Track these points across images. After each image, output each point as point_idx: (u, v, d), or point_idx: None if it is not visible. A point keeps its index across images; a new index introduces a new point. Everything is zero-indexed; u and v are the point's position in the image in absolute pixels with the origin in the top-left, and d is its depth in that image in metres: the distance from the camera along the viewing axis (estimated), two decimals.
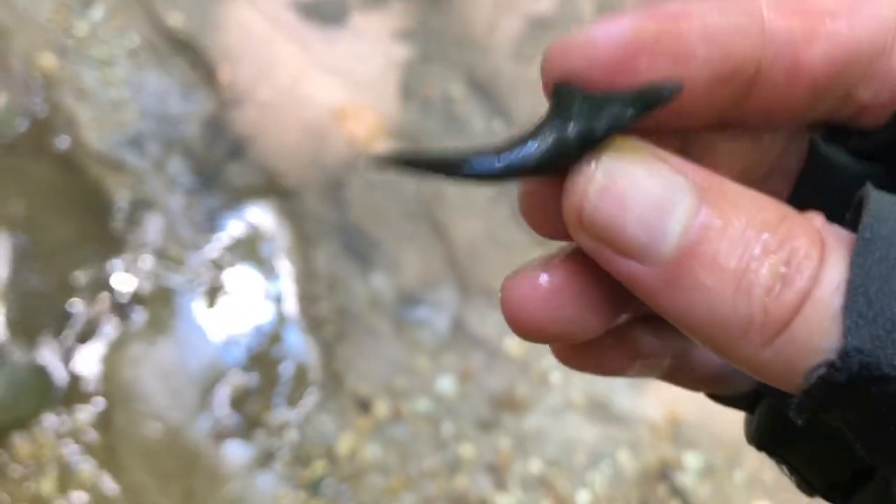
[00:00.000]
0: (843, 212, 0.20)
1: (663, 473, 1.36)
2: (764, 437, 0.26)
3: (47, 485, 1.31)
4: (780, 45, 0.21)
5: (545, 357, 1.39)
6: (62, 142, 1.50)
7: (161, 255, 1.44)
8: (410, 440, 1.38)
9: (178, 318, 1.42)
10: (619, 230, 0.19)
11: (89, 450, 1.34)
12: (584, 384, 1.41)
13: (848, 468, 0.24)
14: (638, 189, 0.19)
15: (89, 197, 1.48)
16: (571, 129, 0.20)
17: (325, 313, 1.43)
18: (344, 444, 1.36)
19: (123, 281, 1.43)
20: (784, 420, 0.24)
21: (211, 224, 1.47)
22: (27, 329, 1.39)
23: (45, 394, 1.36)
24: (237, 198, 1.48)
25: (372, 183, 1.49)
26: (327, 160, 1.50)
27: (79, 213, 1.48)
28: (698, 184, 0.19)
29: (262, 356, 1.42)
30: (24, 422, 1.34)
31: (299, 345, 1.42)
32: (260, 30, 1.57)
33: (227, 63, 1.54)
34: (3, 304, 1.40)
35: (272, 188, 1.49)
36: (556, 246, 0.23)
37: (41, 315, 1.40)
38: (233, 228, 1.47)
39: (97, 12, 1.57)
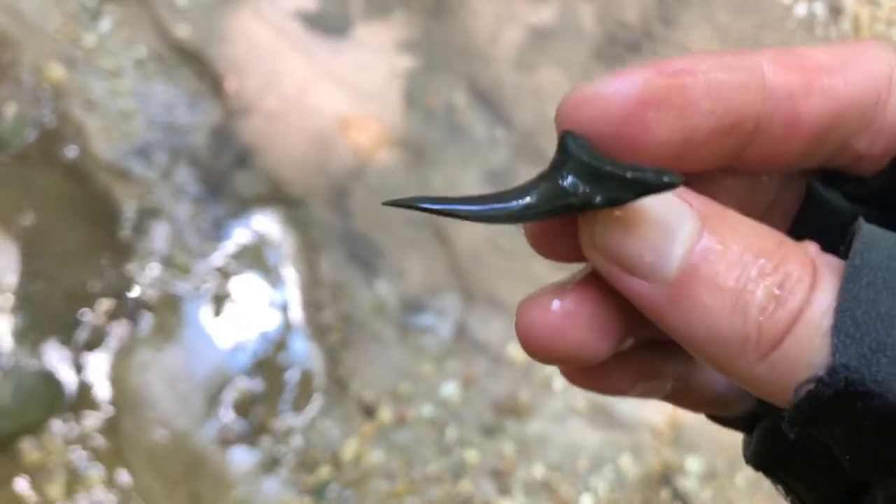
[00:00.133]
0: (838, 250, 0.21)
1: (665, 478, 1.37)
2: (761, 458, 0.27)
3: (55, 490, 1.32)
4: (779, 100, 0.22)
5: None
6: (70, 151, 1.51)
7: (168, 262, 1.45)
8: (414, 445, 1.38)
9: (185, 324, 1.43)
10: (628, 251, 0.21)
11: (97, 455, 1.35)
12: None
13: (842, 486, 0.25)
14: (646, 214, 0.21)
15: (97, 206, 1.49)
16: (572, 195, 0.21)
17: (329, 320, 1.44)
18: (349, 450, 1.37)
19: (131, 288, 1.44)
20: (780, 441, 0.26)
21: (217, 232, 1.48)
22: (35, 336, 1.40)
23: (54, 400, 1.37)
24: (243, 206, 1.49)
25: (376, 191, 1.49)
26: (332, 169, 1.51)
27: (87, 221, 1.49)
28: (701, 211, 0.21)
29: (268, 363, 1.42)
30: (33, 428, 1.35)
31: (304, 351, 1.43)
32: (266, 41, 1.58)
33: (233, 74, 1.55)
34: (11, 311, 1.40)
35: (278, 197, 1.50)
36: (562, 266, 0.25)
37: (49, 322, 1.41)
38: (239, 236, 1.48)
39: (105, 24, 1.58)
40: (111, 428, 1.36)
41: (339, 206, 1.49)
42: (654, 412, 1.41)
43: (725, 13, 1.65)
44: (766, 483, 0.30)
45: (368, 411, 1.39)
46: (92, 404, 1.37)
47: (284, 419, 1.39)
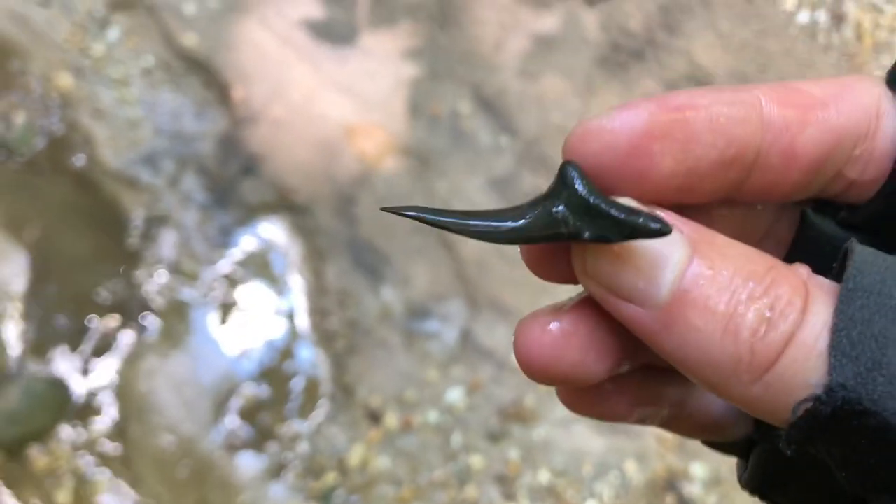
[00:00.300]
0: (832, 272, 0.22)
1: (670, 484, 1.36)
2: (757, 482, 0.27)
3: (63, 496, 1.32)
4: (777, 132, 0.23)
5: None
6: (79, 160, 1.51)
7: (175, 269, 1.46)
8: (420, 451, 1.38)
9: (192, 331, 1.43)
10: (620, 278, 0.22)
11: (105, 461, 1.35)
12: None
13: None
14: (635, 242, 0.22)
15: (105, 213, 1.49)
16: (563, 225, 0.22)
17: (335, 327, 1.44)
18: (355, 456, 1.37)
19: (139, 295, 1.44)
20: (776, 465, 0.26)
21: (224, 239, 1.48)
22: (44, 343, 1.40)
23: (62, 406, 1.37)
24: (250, 214, 1.50)
25: (382, 199, 1.50)
26: (338, 177, 1.51)
27: (95, 229, 1.49)
28: (691, 236, 0.22)
29: (274, 369, 1.42)
30: (41, 434, 1.35)
31: (311, 358, 1.43)
32: (272, 50, 1.59)
33: (240, 82, 1.56)
34: (20, 318, 1.41)
35: (284, 204, 1.50)
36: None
37: (57, 329, 1.42)
38: (246, 244, 1.49)
39: (113, 33, 1.59)
40: (119, 434, 1.37)
41: (346, 213, 1.50)
42: None
43: (728, 21, 1.65)
44: None
45: (374, 417, 1.39)
46: (99, 410, 1.38)
47: (291, 425, 1.39)
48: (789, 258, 0.26)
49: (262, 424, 1.39)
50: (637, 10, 1.65)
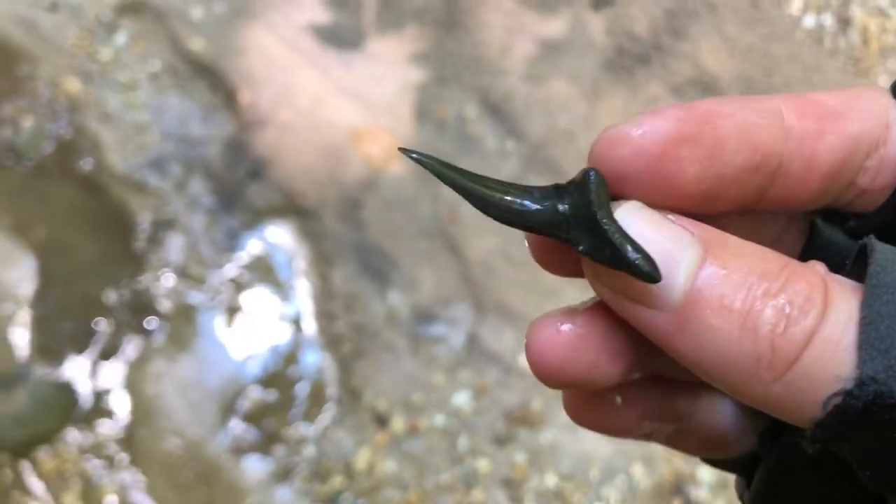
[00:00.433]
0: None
1: (677, 487, 1.36)
2: (762, 499, 0.27)
3: (70, 499, 1.32)
4: (798, 140, 0.23)
5: None
6: (86, 164, 1.52)
7: (182, 273, 1.46)
8: (427, 455, 1.38)
9: (199, 335, 1.44)
10: (632, 281, 0.21)
11: (111, 464, 1.35)
12: None
13: None
14: (646, 243, 0.21)
15: (112, 217, 1.50)
16: (562, 230, 0.22)
17: (342, 330, 1.44)
18: (361, 459, 1.37)
19: (146, 299, 1.45)
20: (780, 482, 0.26)
21: (231, 243, 1.49)
22: (51, 346, 1.41)
23: (69, 409, 1.38)
24: (257, 218, 1.50)
25: (388, 202, 1.50)
26: (345, 181, 1.52)
27: (102, 232, 1.50)
28: (702, 238, 0.22)
29: (281, 373, 1.43)
30: (48, 437, 1.36)
31: (317, 361, 1.44)
32: (279, 54, 1.60)
33: (247, 86, 1.57)
34: (28, 321, 1.42)
35: (291, 208, 1.51)
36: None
37: (65, 332, 1.42)
38: (252, 248, 1.49)
39: (121, 38, 1.60)
40: (126, 437, 1.37)
41: (352, 217, 1.50)
42: None
43: (734, 25, 1.65)
44: None
45: (381, 421, 1.40)
46: (107, 413, 1.38)
47: (297, 429, 1.39)
48: None
49: (268, 428, 1.39)
50: (643, 15, 1.65)
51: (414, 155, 0.23)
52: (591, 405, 0.26)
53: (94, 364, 1.40)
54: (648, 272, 0.21)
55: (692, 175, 0.22)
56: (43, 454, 1.34)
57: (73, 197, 1.50)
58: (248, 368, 1.42)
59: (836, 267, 0.23)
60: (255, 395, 1.41)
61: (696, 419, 0.28)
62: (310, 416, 1.40)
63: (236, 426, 1.39)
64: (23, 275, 1.44)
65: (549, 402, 1.40)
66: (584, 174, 0.23)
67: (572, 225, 0.22)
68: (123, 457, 1.36)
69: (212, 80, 1.58)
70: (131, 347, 1.42)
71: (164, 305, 1.44)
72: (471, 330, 1.44)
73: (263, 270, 1.48)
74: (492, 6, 1.64)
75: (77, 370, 1.40)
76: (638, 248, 0.21)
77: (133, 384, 1.40)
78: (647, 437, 0.28)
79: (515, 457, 1.38)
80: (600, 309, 0.24)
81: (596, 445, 1.39)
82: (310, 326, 1.45)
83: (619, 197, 0.23)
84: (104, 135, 1.54)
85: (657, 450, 1.39)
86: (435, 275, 1.47)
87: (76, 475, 1.34)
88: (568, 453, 1.38)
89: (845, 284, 0.21)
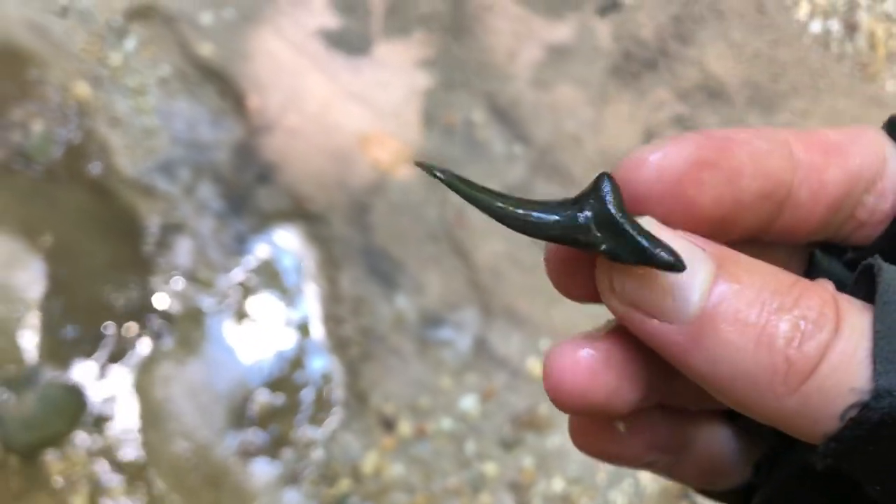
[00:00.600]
0: None
1: (684, 492, 1.36)
2: None
3: (78, 501, 1.33)
4: (806, 170, 0.24)
5: None
6: (95, 168, 1.52)
7: (191, 277, 1.47)
8: (434, 459, 1.38)
9: (207, 338, 1.44)
10: (648, 295, 0.22)
11: (120, 467, 1.36)
12: None
13: None
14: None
15: (121, 221, 1.50)
16: (582, 233, 0.22)
17: (350, 334, 1.45)
18: (369, 463, 1.37)
19: (154, 303, 1.45)
20: None
21: (239, 247, 1.49)
22: (60, 349, 1.41)
23: (77, 412, 1.38)
24: (265, 222, 1.51)
25: (396, 207, 1.51)
26: (352, 185, 1.52)
27: (111, 236, 1.50)
28: (714, 254, 0.22)
29: (289, 376, 1.43)
30: (57, 439, 1.36)
31: (325, 365, 1.44)
32: (287, 59, 1.60)
33: (255, 91, 1.57)
34: (36, 325, 1.42)
35: (299, 212, 1.51)
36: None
37: (73, 335, 1.43)
38: (260, 251, 1.49)
39: (130, 43, 1.60)
40: (134, 440, 1.37)
41: (360, 221, 1.50)
42: None
43: (740, 30, 1.66)
44: None
45: (388, 424, 1.40)
46: (115, 416, 1.38)
47: (305, 432, 1.39)
48: None
49: (276, 431, 1.39)
50: (649, 20, 1.65)
51: (437, 173, 0.23)
52: (598, 433, 0.27)
53: (103, 367, 1.41)
54: (673, 262, 0.21)
55: (711, 199, 0.23)
56: (51, 457, 1.35)
57: (82, 201, 1.51)
58: (255, 372, 1.42)
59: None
60: (263, 398, 1.41)
61: (695, 449, 0.28)
62: (317, 419, 1.41)
63: (244, 429, 1.39)
64: (32, 278, 1.45)
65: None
66: (598, 180, 0.23)
67: (592, 228, 0.22)
68: (132, 460, 1.36)
69: (221, 84, 1.59)
70: (140, 351, 1.42)
71: (173, 309, 1.45)
72: (478, 334, 1.44)
73: (271, 274, 1.48)
74: (499, 12, 1.64)
75: (86, 373, 1.40)
76: (659, 241, 0.21)
77: (141, 387, 1.40)
78: (649, 466, 0.28)
79: (523, 461, 1.38)
80: (619, 334, 0.24)
81: None
82: (317, 330, 1.46)
83: (634, 214, 0.23)
84: (113, 139, 1.54)
85: None
86: (442, 279, 1.47)
87: (84, 478, 1.34)
88: (575, 457, 1.38)
89: (854, 301, 0.22)
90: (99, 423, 1.38)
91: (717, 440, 0.28)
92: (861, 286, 0.22)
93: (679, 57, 1.64)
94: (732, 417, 0.29)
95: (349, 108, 1.57)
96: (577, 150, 1.55)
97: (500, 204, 0.23)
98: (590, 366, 0.23)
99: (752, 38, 1.65)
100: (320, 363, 1.44)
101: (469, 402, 1.41)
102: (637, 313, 0.22)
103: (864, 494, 0.21)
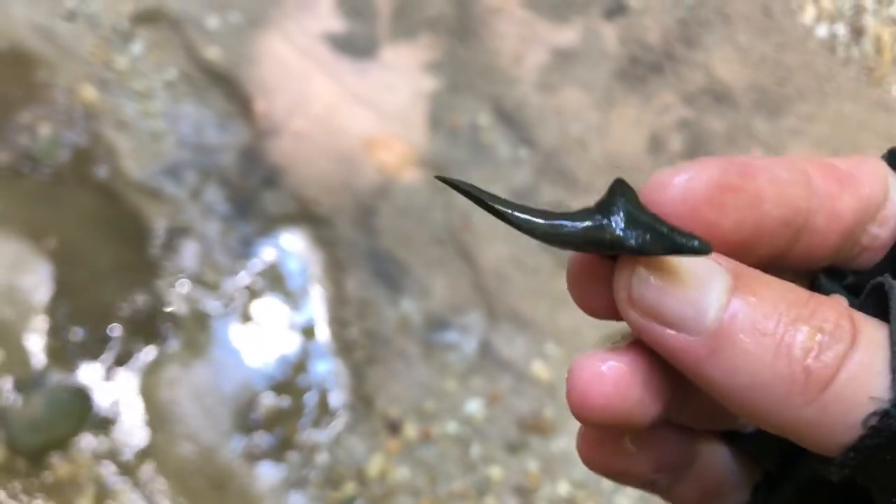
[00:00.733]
0: None
1: None
2: None
3: None
4: (822, 198, 0.25)
5: None
6: (102, 171, 1.53)
7: (197, 280, 1.47)
8: (439, 462, 1.38)
9: (213, 341, 1.44)
10: (666, 305, 0.22)
11: (125, 470, 1.36)
12: None
13: None
14: (679, 270, 0.22)
15: (128, 224, 1.51)
16: (608, 232, 0.23)
17: (355, 337, 1.45)
18: (374, 466, 1.37)
19: (160, 306, 1.45)
20: None
21: (245, 250, 1.49)
22: (67, 352, 1.42)
23: (84, 415, 1.38)
24: (271, 225, 1.51)
25: (401, 210, 1.51)
26: (358, 188, 1.53)
27: (118, 239, 1.51)
28: (731, 269, 0.22)
29: (294, 379, 1.43)
30: (63, 442, 1.36)
31: (330, 368, 1.44)
32: (294, 63, 1.61)
33: (262, 95, 1.58)
34: (43, 328, 1.43)
35: (305, 215, 1.51)
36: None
37: (80, 338, 1.43)
38: (266, 254, 1.50)
39: (137, 47, 1.61)
40: (140, 442, 1.38)
41: (365, 224, 1.50)
42: None
43: (746, 34, 1.66)
44: None
45: (393, 428, 1.40)
46: (121, 419, 1.39)
47: (310, 435, 1.40)
48: None
49: (281, 434, 1.39)
50: (655, 24, 1.65)
51: (459, 186, 0.24)
52: (607, 449, 0.27)
53: (109, 370, 1.41)
54: (698, 246, 0.21)
55: (732, 222, 0.23)
56: (57, 459, 1.35)
57: (88, 204, 1.51)
58: (261, 375, 1.43)
59: None
60: (268, 401, 1.41)
61: (696, 468, 0.28)
62: (322, 422, 1.41)
63: (249, 432, 1.39)
64: (38, 281, 1.45)
65: (562, 410, 1.40)
66: (613, 186, 0.23)
67: (617, 227, 0.23)
68: (137, 462, 1.36)
69: (227, 88, 1.59)
70: (146, 354, 1.42)
71: (179, 312, 1.45)
72: (483, 337, 1.44)
73: (277, 277, 1.48)
74: (505, 15, 1.65)
75: (92, 376, 1.41)
76: (681, 229, 0.22)
77: (147, 390, 1.41)
78: (651, 485, 0.28)
79: (528, 464, 1.38)
80: (641, 347, 0.24)
81: None
82: (323, 333, 1.46)
83: None
84: (120, 142, 1.55)
85: None
86: (447, 282, 1.48)
87: (90, 480, 1.34)
88: (580, 461, 1.38)
89: (868, 317, 0.22)
90: (105, 425, 1.38)
91: (717, 460, 0.29)
92: (869, 304, 0.23)
93: (685, 61, 1.64)
94: (732, 438, 0.29)
95: (355, 111, 1.57)
96: (583, 154, 1.55)
97: (523, 215, 0.23)
98: (614, 378, 0.23)
99: (759, 42, 1.65)
100: (326, 366, 1.44)
101: (474, 406, 1.41)
102: (656, 325, 0.22)
103: None
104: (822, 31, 1.66)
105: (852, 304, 0.24)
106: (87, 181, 1.52)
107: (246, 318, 1.45)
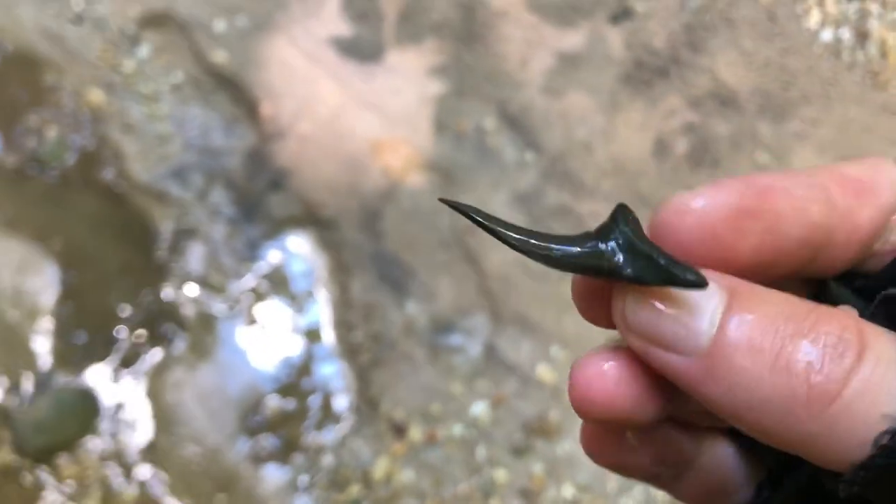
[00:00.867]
0: None
1: None
2: None
3: None
4: (842, 213, 0.24)
5: None
6: (109, 173, 1.53)
7: (203, 282, 1.47)
8: (445, 465, 1.38)
9: (219, 344, 1.45)
10: (661, 329, 0.22)
11: (131, 472, 1.36)
12: None
13: None
14: (672, 291, 0.22)
15: (134, 226, 1.51)
16: (605, 259, 0.23)
17: (360, 340, 1.45)
18: (379, 468, 1.38)
19: (166, 308, 1.46)
20: None
21: (251, 253, 1.50)
22: (73, 354, 1.42)
23: (90, 416, 1.39)
24: (277, 228, 1.51)
25: (407, 213, 1.51)
26: (364, 191, 1.53)
27: (124, 242, 1.51)
28: (728, 286, 0.22)
29: (299, 381, 1.43)
30: (69, 443, 1.36)
31: (335, 371, 1.44)
32: (300, 67, 1.61)
33: (268, 98, 1.58)
34: (50, 330, 1.43)
35: (311, 218, 1.52)
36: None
37: (86, 340, 1.43)
38: (272, 257, 1.50)
39: (144, 50, 1.62)
40: (146, 444, 1.38)
41: (371, 227, 1.51)
42: None
43: (751, 39, 1.66)
44: None
45: (399, 430, 1.40)
46: (127, 421, 1.39)
47: (315, 437, 1.40)
48: None
49: (286, 436, 1.40)
50: (661, 28, 1.66)
51: (461, 210, 0.24)
52: (610, 443, 0.27)
53: (115, 372, 1.42)
54: (694, 280, 0.21)
55: (751, 246, 0.23)
56: (64, 461, 1.35)
57: (95, 206, 1.52)
58: (266, 377, 1.43)
59: None
60: (274, 403, 1.41)
61: (700, 464, 0.28)
62: (328, 425, 1.41)
63: (255, 434, 1.39)
64: (45, 283, 1.46)
65: (567, 413, 1.40)
66: (615, 212, 0.24)
67: (615, 255, 0.23)
68: (143, 464, 1.36)
69: (234, 91, 1.60)
70: (152, 355, 1.43)
71: (185, 314, 1.45)
72: (488, 340, 1.45)
73: (283, 280, 1.49)
74: (511, 19, 1.65)
75: (98, 378, 1.41)
76: (679, 261, 0.22)
77: (153, 392, 1.41)
78: (654, 479, 0.28)
79: (533, 467, 1.38)
80: None
81: None
82: (328, 336, 1.46)
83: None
84: (127, 145, 1.55)
85: None
86: (453, 285, 1.48)
87: (97, 482, 1.35)
88: (585, 464, 1.38)
89: (879, 329, 0.21)
90: (111, 427, 1.38)
91: (721, 457, 0.29)
92: (880, 314, 0.23)
93: (690, 65, 1.64)
94: (737, 435, 0.29)
95: (361, 114, 1.58)
96: (588, 158, 1.55)
97: (523, 238, 0.24)
98: (616, 376, 0.24)
99: (763, 46, 1.65)
100: (331, 369, 1.44)
101: (479, 409, 1.41)
102: (652, 347, 0.22)
103: None
104: (826, 35, 1.66)
105: (863, 310, 0.24)
106: (94, 184, 1.53)
107: (252, 320, 1.46)
